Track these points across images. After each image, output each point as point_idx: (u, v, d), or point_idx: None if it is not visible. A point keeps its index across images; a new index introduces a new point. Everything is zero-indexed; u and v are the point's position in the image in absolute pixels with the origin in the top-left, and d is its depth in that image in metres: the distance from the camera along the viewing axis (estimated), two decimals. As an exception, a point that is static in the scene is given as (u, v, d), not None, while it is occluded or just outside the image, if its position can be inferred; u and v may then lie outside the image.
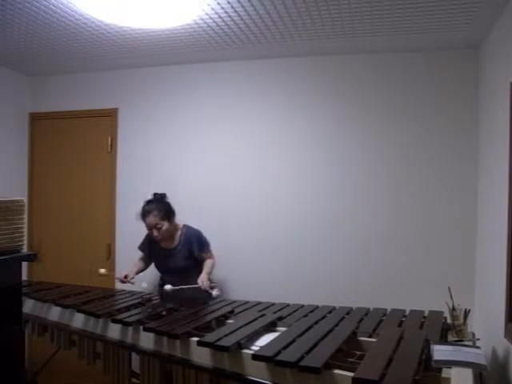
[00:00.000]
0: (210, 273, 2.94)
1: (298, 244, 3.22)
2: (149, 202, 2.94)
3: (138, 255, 3.13)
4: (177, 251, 2.97)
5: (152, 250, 3.06)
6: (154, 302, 2.71)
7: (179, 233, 3.00)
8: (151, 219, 2.86)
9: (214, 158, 3.41)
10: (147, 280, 3.06)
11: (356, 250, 3.11)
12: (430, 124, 3.01)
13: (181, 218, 3.18)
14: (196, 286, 2.79)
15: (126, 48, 3.08)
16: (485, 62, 2.79)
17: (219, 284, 3.04)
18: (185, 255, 2.96)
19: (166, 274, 3.01)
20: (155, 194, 3.00)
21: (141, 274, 3.06)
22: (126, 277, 2.91)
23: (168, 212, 2.93)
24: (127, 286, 3.03)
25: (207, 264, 2.97)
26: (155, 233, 2.88)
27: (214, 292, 2.83)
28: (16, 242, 1.96)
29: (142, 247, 3.12)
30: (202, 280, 2.82)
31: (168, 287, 2.75)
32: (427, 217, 3.01)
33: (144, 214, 2.89)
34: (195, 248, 2.97)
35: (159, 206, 2.90)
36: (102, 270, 3.01)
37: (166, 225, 2.89)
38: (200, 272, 2.91)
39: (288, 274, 3.22)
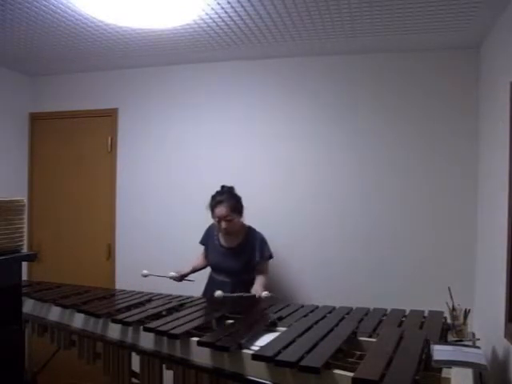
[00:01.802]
0: (262, 285, 2.71)
1: (298, 244, 3.22)
2: (220, 193, 2.79)
3: (200, 252, 3.00)
4: (237, 251, 2.81)
5: (210, 244, 2.92)
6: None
7: (243, 233, 2.84)
8: (222, 209, 2.69)
9: (213, 157, 3.41)
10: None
11: (356, 250, 3.11)
12: (429, 124, 3.01)
13: (179, 219, 3.19)
14: (250, 294, 2.61)
15: (126, 48, 3.08)
16: (485, 62, 2.79)
17: (275, 295, 2.76)
18: (244, 258, 2.80)
19: (218, 273, 2.86)
20: (223, 187, 2.84)
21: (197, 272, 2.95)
22: (182, 275, 2.81)
23: (239, 205, 2.79)
24: (127, 286, 3.03)
25: (260, 278, 2.77)
26: (224, 225, 2.71)
27: (264, 293, 2.57)
28: (16, 242, 1.96)
29: (203, 241, 2.98)
30: (257, 290, 2.63)
31: (219, 293, 2.52)
32: (427, 217, 3.01)
33: (215, 204, 2.72)
34: (257, 253, 2.80)
35: (231, 198, 2.76)
36: (145, 271, 2.84)
37: (236, 218, 2.75)
38: (251, 280, 2.76)
39: (287, 273, 3.22)
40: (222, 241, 2.88)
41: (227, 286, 2.77)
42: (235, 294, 2.60)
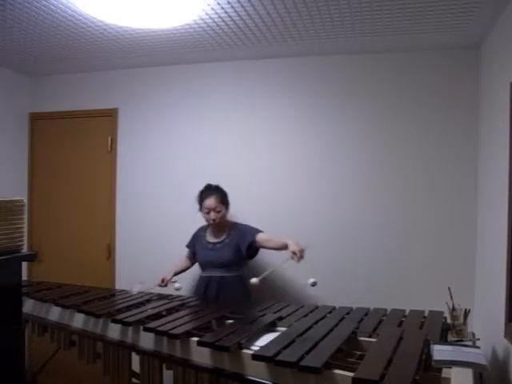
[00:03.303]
0: (290, 238, 2.56)
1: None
2: (208, 188, 2.95)
3: (183, 254, 3.10)
4: (224, 244, 2.90)
5: (198, 244, 3.01)
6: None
7: (228, 227, 2.96)
8: (212, 201, 2.86)
9: (213, 157, 3.41)
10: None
11: (356, 250, 3.11)
12: (429, 124, 3.01)
13: (179, 219, 3.18)
14: (286, 260, 2.41)
15: (126, 48, 3.08)
16: (485, 62, 2.79)
17: (312, 245, 2.52)
18: (232, 248, 2.87)
19: (207, 269, 2.92)
20: (210, 184, 2.98)
21: (181, 274, 3.03)
22: (162, 280, 2.88)
23: (227, 199, 2.95)
24: (127, 286, 3.03)
25: (276, 236, 2.73)
26: (213, 215, 2.85)
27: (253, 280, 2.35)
28: (16, 242, 1.96)
29: (189, 244, 3.09)
30: (293, 249, 2.42)
31: (254, 280, 2.36)
32: (427, 217, 3.01)
33: (205, 196, 2.89)
34: (247, 237, 2.84)
35: (219, 191, 2.93)
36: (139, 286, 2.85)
37: (224, 210, 2.90)
38: (240, 276, 2.85)
39: (287, 273, 3.22)
40: (209, 238, 2.98)
41: (215, 280, 2.85)
42: (270, 270, 2.48)
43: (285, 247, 2.56)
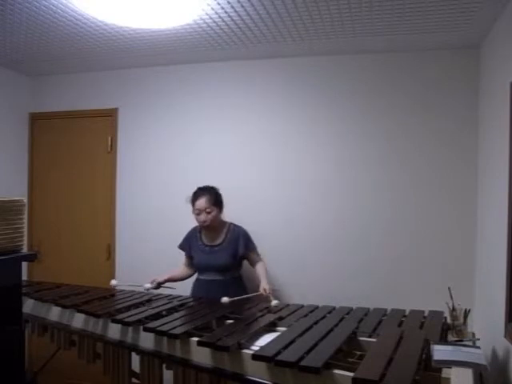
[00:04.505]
0: (266, 277, 2.82)
1: (297, 243, 3.22)
2: (201, 188, 2.89)
3: (182, 262, 3.04)
4: (222, 247, 2.88)
5: (193, 246, 2.96)
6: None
7: (225, 229, 2.92)
8: (202, 202, 2.80)
9: (213, 157, 3.41)
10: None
11: (356, 250, 3.11)
12: (429, 124, 3.01)
13: (179, 219, 3.17)
14: (256, 294, 2.69)
15: (125, 48, 3.08)
16: (485, 62, 2.79)
17: (279, 289, 2.92)
18: (230, 252, 2.87)
19: (206, 273, 2.90)
20: (207, 186, 2.94)
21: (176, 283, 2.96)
22: (158, 283, 2.83)
23: (219, 200, 2.88)
24: (127, 286, 3.03)
25: (261, 269, 2.86)
26: (203, 217, 2.80)
27: (274, 302, 2.53)
28: (16, 242, 1.96)
29: (182, 245, 3.02)
30: (264, 287, 2.71)
31: (225, 299, 2.49)
32: (427, 217, 3.01)
33: (196, 197, 2.83)
34: (241, 246, 2.89)
35: (212, 192, 2.86)
36: (114, 282, 2.94)
37: (215, 211, 2.83)
38: (239, 277, 2.93)
39: (287, 273, 3.22)
40: (206, 240, 2.94)
41: (215, 284, 2.84)
42: (242, 297, 2.65)
43: (257, 283, 2.81)
